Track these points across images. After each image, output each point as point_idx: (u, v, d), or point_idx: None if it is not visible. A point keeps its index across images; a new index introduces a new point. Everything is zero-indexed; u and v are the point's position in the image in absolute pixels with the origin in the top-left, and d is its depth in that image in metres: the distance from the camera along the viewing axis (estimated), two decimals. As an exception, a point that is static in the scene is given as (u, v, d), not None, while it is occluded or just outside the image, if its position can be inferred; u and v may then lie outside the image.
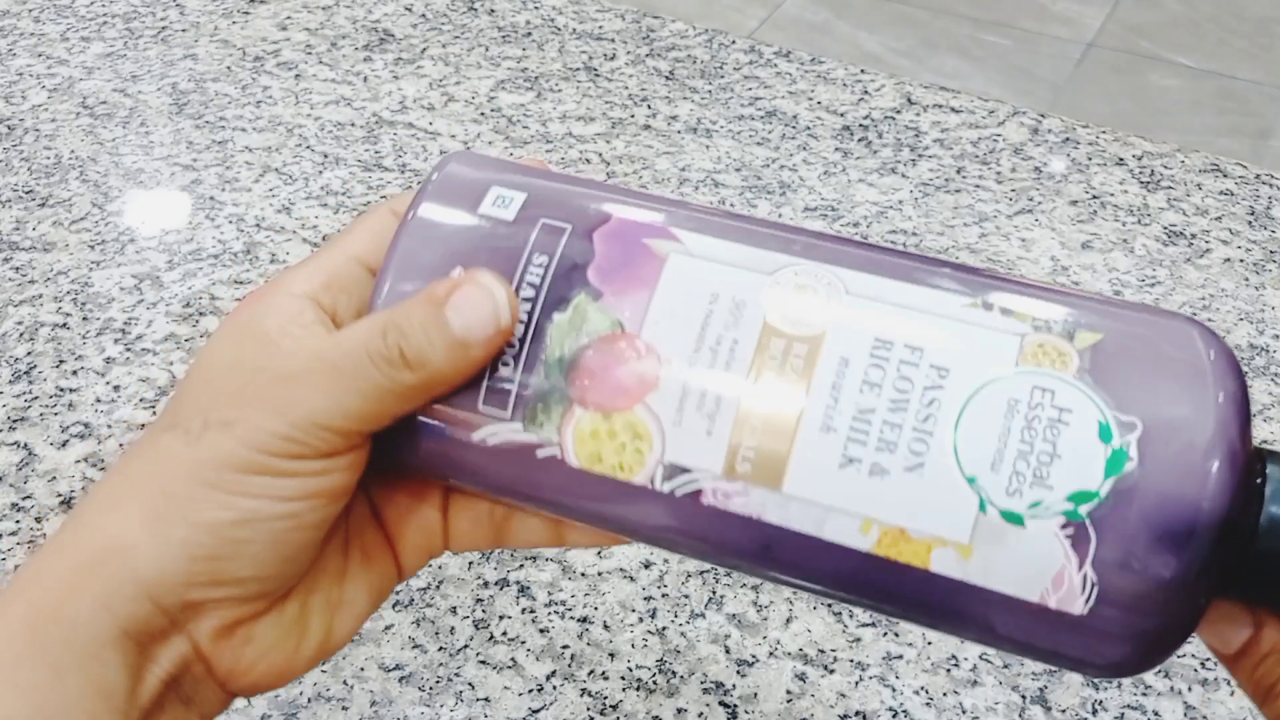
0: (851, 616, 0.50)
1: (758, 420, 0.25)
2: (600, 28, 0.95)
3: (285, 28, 0.95)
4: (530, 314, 0.26)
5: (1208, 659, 0.49)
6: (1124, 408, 0.24)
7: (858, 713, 0.47)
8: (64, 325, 0.65)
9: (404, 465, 0.29)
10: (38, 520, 0.54)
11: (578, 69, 0.90)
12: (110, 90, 0.86)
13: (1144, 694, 0.48)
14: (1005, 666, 0.49)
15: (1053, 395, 0.24)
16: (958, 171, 0.79)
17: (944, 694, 0.48)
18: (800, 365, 0.25)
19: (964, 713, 0.47)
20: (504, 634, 0.50)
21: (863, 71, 0.91)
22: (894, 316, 0.26)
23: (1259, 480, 0.24)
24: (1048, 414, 0.24)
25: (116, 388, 0.61)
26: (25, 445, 0.58)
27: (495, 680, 0.48)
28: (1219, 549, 0.24)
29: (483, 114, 0.84)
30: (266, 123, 0.83)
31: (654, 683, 0.48)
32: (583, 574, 0.52)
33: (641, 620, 0.50)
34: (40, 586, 0.25)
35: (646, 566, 0.52)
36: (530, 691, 0.48)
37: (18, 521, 0.54)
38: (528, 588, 0.52)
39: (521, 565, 0.53)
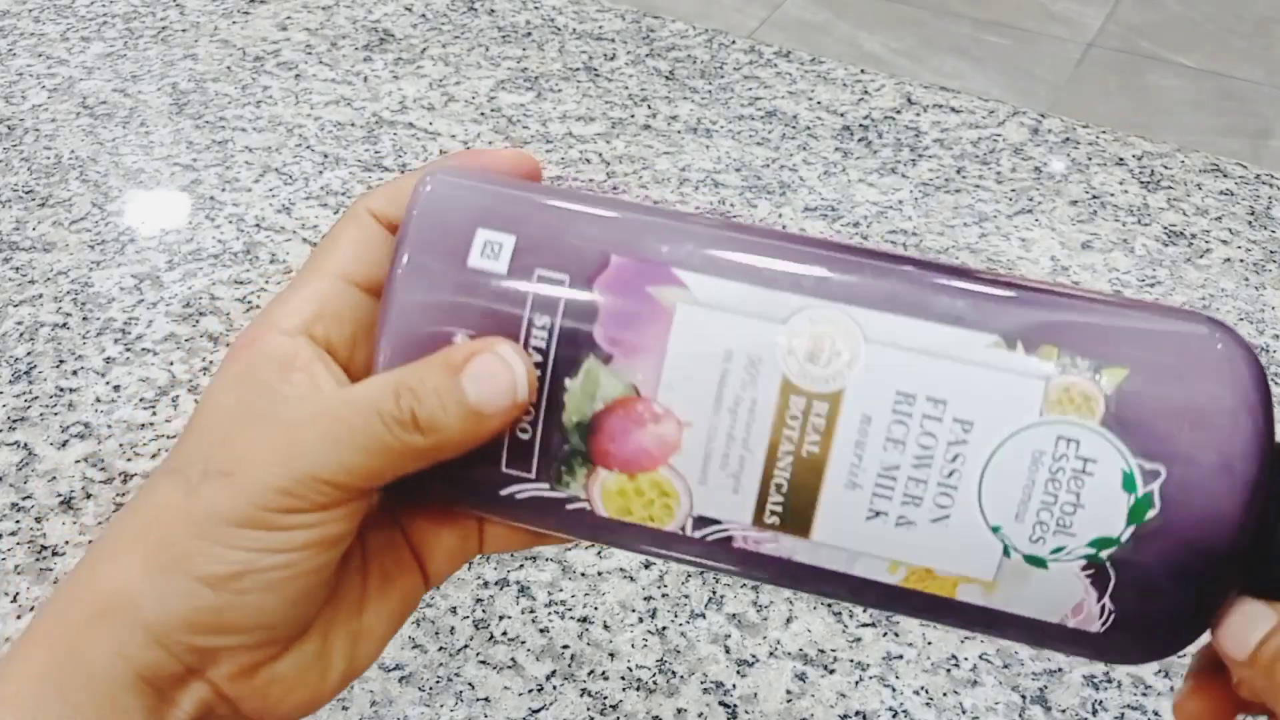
0: (852, 616, 0.50)
1: (783, 478, 0.25)
2: (600, 28, 0.95)
3: (285, 28, 0.95)
4: (541, 379, 0.26)
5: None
6: (1149, 453, 0.24)
7: (858, 713, 0.47)
8: (64, 325, 0.65)
9: (427, 504, 0.29)
10: (38, 520, 0.54)
11: (578, 69, 0.90)
12: (110, 90, 0.86)
13: (1144, 694, 0.48)
14: (1005, 666, 0.49)
15: (1077, 445, 0.24)
16: (958, 171, 0.79)
17: (944, 694, 0.48)
18: (822, 424, 0.25)
19: (964, 713, 0.47)
20: (504, 634, 0.50)
21: (863, 71, 0.91)
22: (915, 365, 0.25)
23: None
24: (1072, 465, 0.24)
25: (116, 388, 0.61)
26: (25, 445, 0.58)
27: (495, 680, 0.48)
28: (1237, 575, 0.25)
29: (483, 114, 0.84)
30: (266, 123, 0.83)
31: (654, 683, 0.48)
32: (583, 574, 0.52)
33: (641, 620, 0.50)
34: (58, 632, 0.25)
35: (646, 566, 0.52)
36: (530, 691, 0.48)
37: (18, 522, 0.54)
38: (528, 588, 0.52)
39: (521, 565, 0.53)
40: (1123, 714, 0.47)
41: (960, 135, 0.83)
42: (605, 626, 0.50)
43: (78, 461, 0.57)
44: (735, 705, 0.47)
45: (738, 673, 0.48)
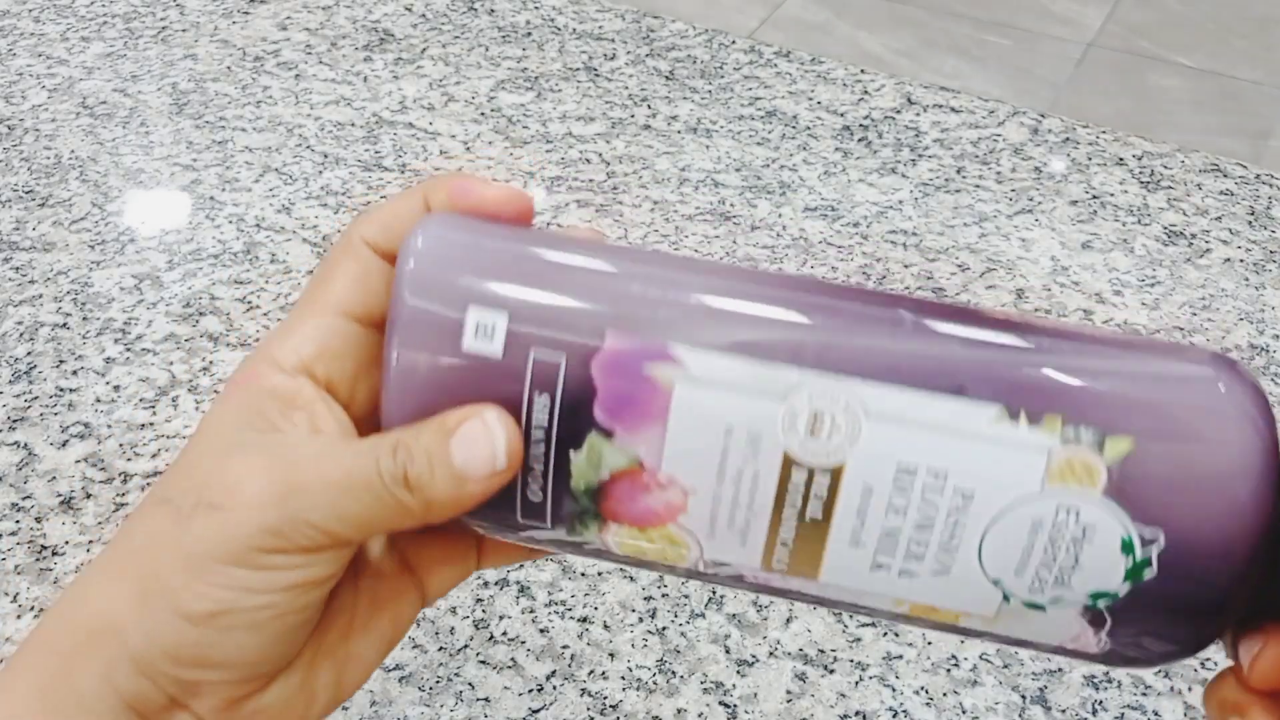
0: (851, 616, 0.50)
1: (788, 537, 0.26)
2: (600, 28, 0.95)
3: (285, 28, 0.95)
4: (546, 451, 0.26)
5: (1208, 659, 0.49)
6: (1149, 520, 0.24)
7: (858, 713, 0.47)
8: (64, 325, 0.65)
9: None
10: (38, 520, 0.54)
11: (578, 69, 0.90)
12: (110, 90, 0.86)
13: (1144, 694, 0.48)
14: (1005, 666, 0.49)
15: (1078, 514, 0.25)
16: (958, 171, 0.79)
17: (944, 694, 0.47)
18: (824, 495, 0.25)
19: (964, 713, 0.47)
20: (504, 634, 0.50)
21: (863, 71, 0.91)
22: (916, 439, 0.25)
23: None
24: (1071, 532, 0.25)
25: (116, 388, 0.61)
26: (25, 445, 0.58)
27: (495, 680, 0.48)
28: (1237, 619, 0.25)
29: (483, 114, 0.84)
30: (266, 123, 0.83)
31: (654, 683, 0.48)
32: (583, 574, 0.52)
33: (641, 620, 0.50)
34: (49, 655, 0.25)
35: (646, 566, 0.52)
36: (530, 691, 0.48)
37: (18, 522, 0.54)
38: (528, 588, 0.52)
39: (521, 565, 0.53)
40: (1123, 714, 0.47)
41: (960, 135, 0.83)
42: (605, 626, 0.50)
43: (78, 461, 0.57)
44: (735, 705, 0.47)
45: (738, 673, 0.48)
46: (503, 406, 0.26)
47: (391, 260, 0.28)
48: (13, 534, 0.54)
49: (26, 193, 0.76)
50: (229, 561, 0.25)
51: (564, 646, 0.49)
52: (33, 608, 0.50)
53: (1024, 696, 0.47)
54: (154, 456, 0.57)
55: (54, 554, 0.53)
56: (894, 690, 0.48)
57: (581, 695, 0.47)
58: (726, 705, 0.47)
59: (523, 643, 0.49)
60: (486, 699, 0.47)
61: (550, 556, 0.53)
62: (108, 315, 0.66)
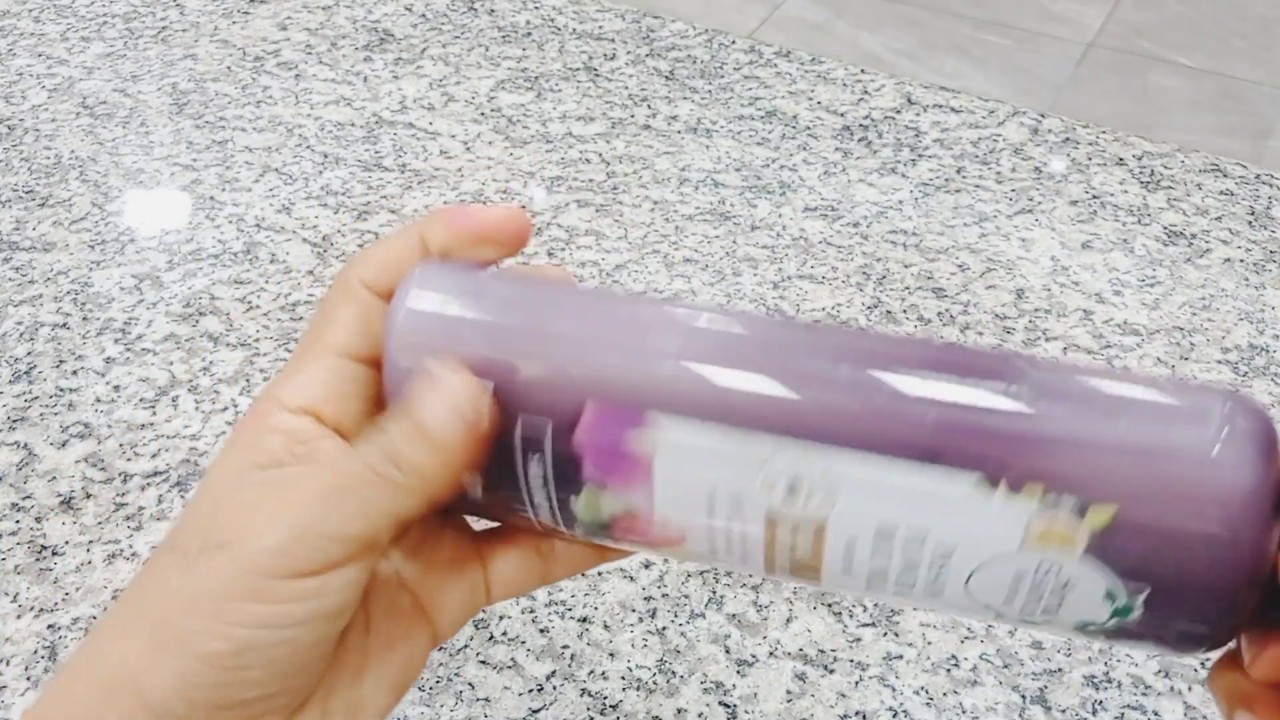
0: (851, 616, 0.50)
1: (783, 566, 0.27)
2: (600, 28, 0.95)
3: (285, 28, 0.95)
4: (548, 496, 0.28)
5: (1208, 659, 0.49)
6: (1134, 576, 0.24)
7: (858, 713, 0.47)
8: (64, 325, 0.65)
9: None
10: (38, 520, 0.54)
11: (578, 69, 0.90)
12: (110, 90, 0.86)
13: (1144, 694, 0.48)
14: (1005, 666, 0.49)
15: (1059, 569, 0.25)
16: (958, 171, 0.79)
17: (944, 694, 0.48)
18: (809, 545, 0.26)
19: (964, 713, 0.47)
20: (504, 634, 0.50)
21: (863, 71, 0.91)
22: (893, 503, 0.25)
23: None
24: (1053, 582, 0.25)
25: (116, 388, 0.61)
26: (25, 445, 0.58)
27: (495, 680, 0.48)
28: (1231, 638, 0.25)
29: (483, 114, 0.84)
30: (266, 123, 0.83)
31: (654, 683, 0.48)
32: (582, 574, 0.52)
33: (641, 620, 0.50)
34: (69, 705, 0.26)
35: (646, 567, 0.52)
36: (530, 691, 0.48)
37: (18, 522, 0.54)
38: (528, 588, 0.52)
39: (521, 565, 0.53)
40: (1123, 714, 0.47)
41: (960, 135, 0.83)
42: (605, 626, 0.50)
43: (78, 461, 0.57)
44: (735, 705, 0.47)
45: (738, 673, 0.48)
46: (499, 460, 0.27)
47: (389, 299, 0.28)
48: (13, 534, 0.54)
49: (26, 193, 0.76)
50: (241, 598, 0.25)
51: (564, 646, 0.49)
52: (33, 608, 0.50)
53: (1024, 696, 0.47)
54: (154, 456, 0.57)
55: (54, 554, 0.53)
56: (894, 690, 0.48)
57: (581, 695, 0.47)
58: (726, 705, 0.47)
59: (523, 643, 0.49)
60: (486, 699, 0.47)
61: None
62: (108, 315, 0.66)
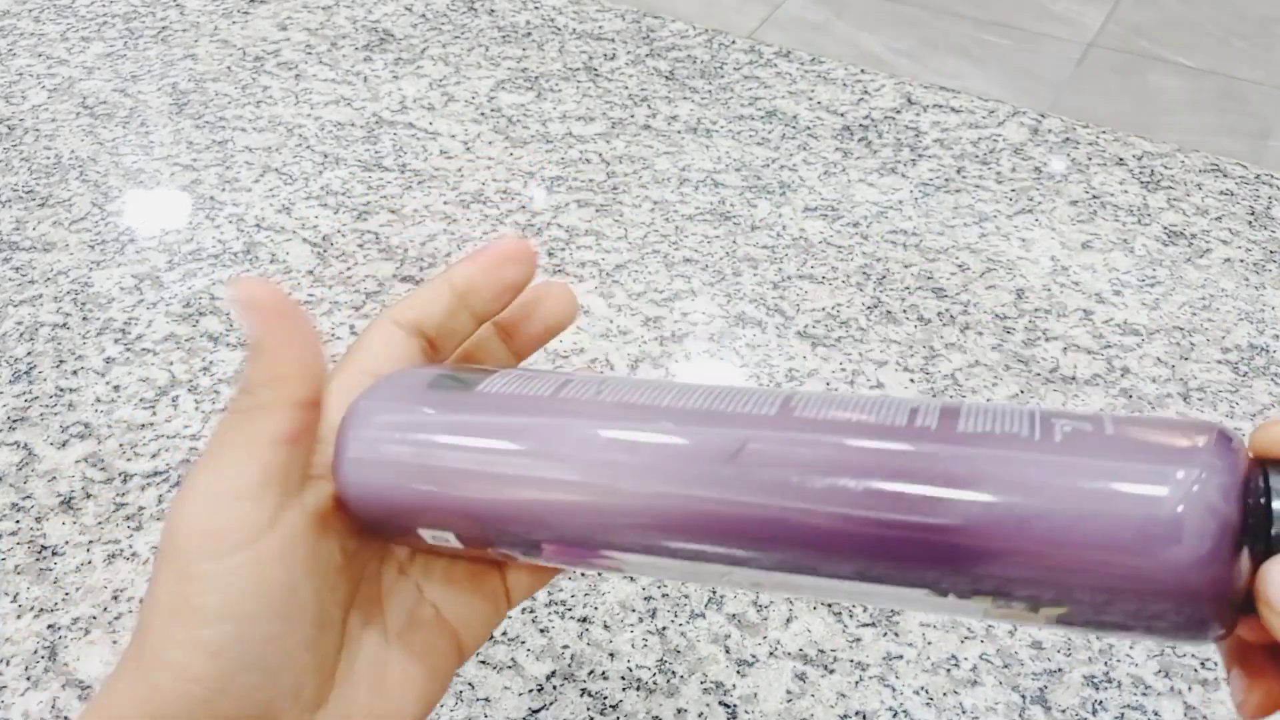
0: (851, 616, 0.50)
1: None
2: (600, 28, 0.95)
3: (285, 28, 0.95)
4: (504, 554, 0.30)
5: (1208, 659, 0.49)
6: (1097, 629, 0.24)
7: (858, 713, 0.47)
8: (64, 325, 0.65)
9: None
10: (38, 520, 0.54)
11: (578, 69, 0.90)
12: (110, 90, 0.86)
13: (1144, 694, 0.48)
14: (1005, 666, 0.49)
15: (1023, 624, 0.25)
16: (958, 171, 0.79)
17: (944, 694, 0.47)
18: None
19: (964, 713, 0.47)
20: (504, 634, 0.50)
21: (863, 71, 0.91)
22: (853, 597, 0.26)
23: (1262, 498, 0.23)
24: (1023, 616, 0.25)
25: (116, 388, 0.61)
26: (25, 445, 0.58)
27: (495, 680, 0.48)
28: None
29: (483, 114, 0.84)
30: (266, 123, 0.83)
31: (654, 683, 0.48)
32: (582, 574, 0.52)
33: (641, 620, 0.50)
34: None
35: (646, 566, 0.52)
36: (530, 691, 0.48)
37: (18, 522, 0.54)
38: (528, 588, 0.52)
39: (521, 565, 0.53)
40: (1123, 714, 0.47)
41: (960, 135, 0.83)
42: (605, 626, 0.50)
43: (78, 461, 0.57)
44: (735, 705, 0.47)
45: (738, 673, 0.48)
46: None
47: (417, 334, 0.31)
48: (13, 534, 0.54)
49: (26, 193, 0.76)
50: (187, 595, 0.26)
51: (564, 646, 0.49)
52: (33, 608, 0.50)
53: (1024, 696, 0.47)
54: (154, 456, 0.57)
55: (54, 554, 0.53)
56: (894, 690, 0.48)
57: (581, 695, 0.47)
58: (726, 705, 0.47)
59: (523, 643, 0.49)
60: (486, 699, 0.47)
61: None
62: (108, 315, 0.66)
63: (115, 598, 0.51)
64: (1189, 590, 0.22)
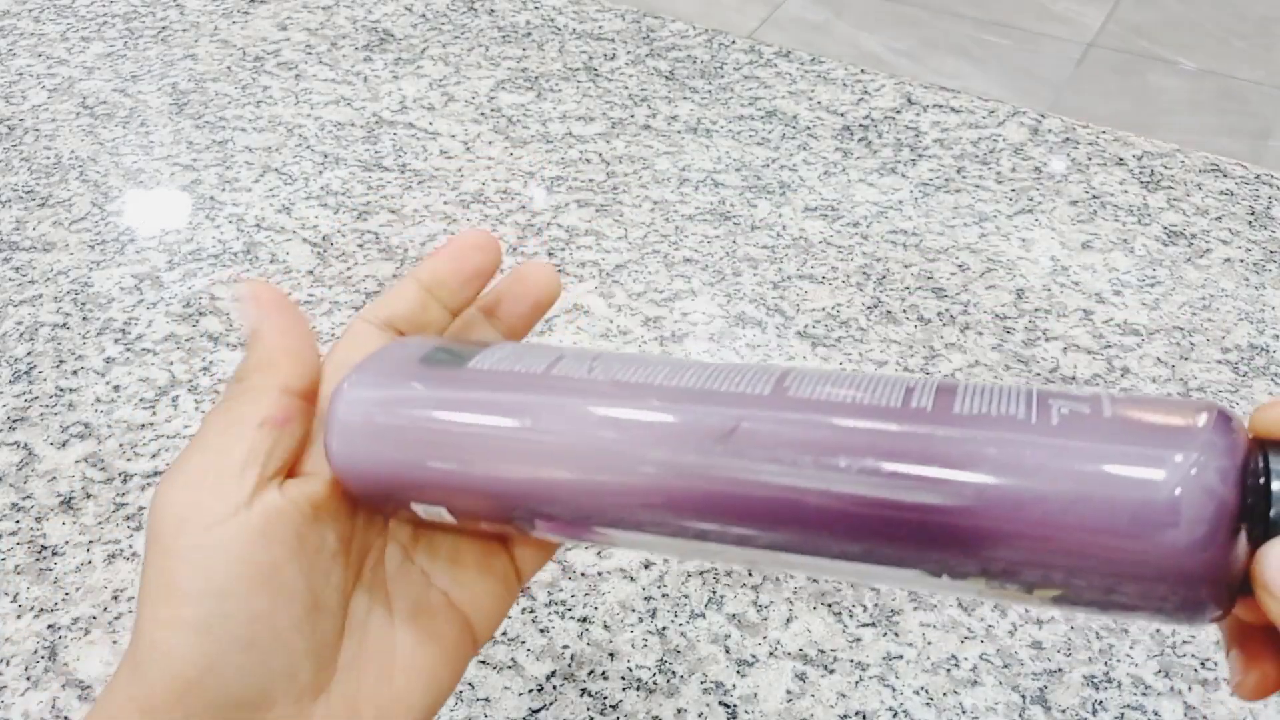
0: (851, 616, 0.50)
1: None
2: (600, 28, 0.95)
3: (285, 28, 0.95)
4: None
5: (1208, 659, 0.49)
6: (1103, 608, 0.24)
7: (858, 713, 0.47)
8: (64, 325, 0.65)
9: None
10: (38, 520, 0.54)
11: (578, 69, 0.90)
12: (110, 90, 0.86)
13: (1144, 694, 0.48)
14: (1005, 666, 0.49)
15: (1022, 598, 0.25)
16: (958, 171, 0.79)
17: (944, 694, 0.47)
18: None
19: (964, 713, 0.47)
20: (504, 634, 0.50)
21: (863, 71, 0.91)
22: (847, 576, 0.26)
23: (1261, 479, 0.23)
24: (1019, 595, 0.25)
25: (116, 388, 0.61)
26: (25, 445, 0.58)
27: (495, 680, 0.48)
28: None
29: (483, 114, 0.84)
30: (266, 123, 0.83)
31: (654, 683, 0.48)
32: (583, 574, 0.52)
33: (641, 620, 0.50)
34: None
35: (646, 567, 0.52)
36: (530, 691, 0.48)
37: (18, 522, 0.54)
38: (528, 588, 0.52)
39: (521, 565, 0.53)
40: (1123, 714, 0.47)
41: (960, 135, 0.83)
42: (605, 626, 0.50)
43: (78, 461, 0.57)
44: (735, 705, 0.47)
45: (738, 673, 0.48)
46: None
47: (389, 329, 0.31)
48: (13, 534, 0.54)
49: (26, 193, 0.76)
50: (175, 575, 0.26)
51: (564, 646, 0.49)
52: (33, 608, 0.50)
53: (1024, 696, 0.47)
54: (154, 456, 0.57)
55: (54, 554, 0.53)
56: (894, 690, 0.48)
57: (581, 695, 0.47)
58: (726, 705, 0.47)
59: (523, 643, 0.49)
60: (486, 699, 0.47)
61: (551, 558, 0.53)
62: (108, 315, 0.66)
63: (115, 598, 0.51)
64: (1186, 574, 0.22)
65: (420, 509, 0.28)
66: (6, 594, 0.51)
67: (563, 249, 0.71)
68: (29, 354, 0.63)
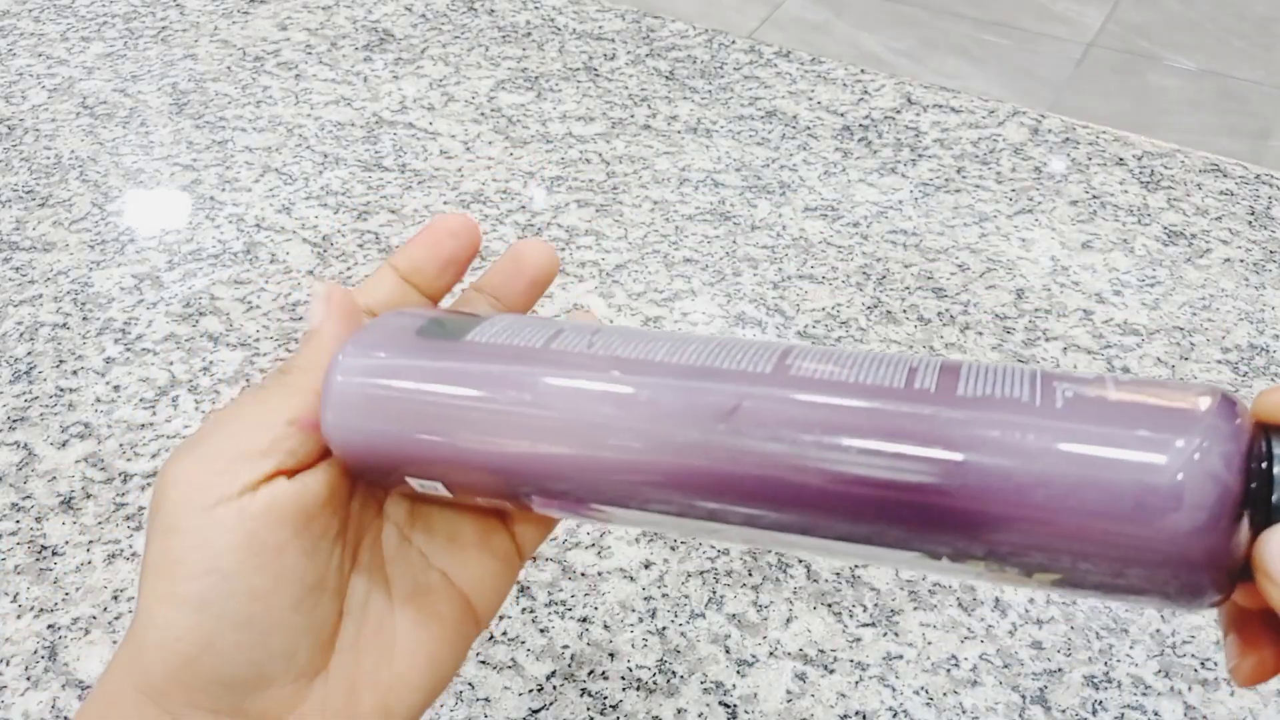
0: (851, 616, 0.50)
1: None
2: (600, 28, 0.95)
3: (285, 28, 0.95)
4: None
5: (1208, 659, 0.49)
6: (1102, 592, 0.24)
7: (858, 713, 0.47)
8: (64, 325, 0.65)
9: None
10: (38, 520, 0.54)
11: (578, 69, 0.90)
12: (110, 90, 0.86)
13: (1144, 694, 0.48)
14: (1005, 666, 0.49)
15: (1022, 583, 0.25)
16: (958, 171, 0.79)
17: (944, 694, 0.48)
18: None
19: (964, 713, 0.47)
20: (504, 634, 0.50)
21: (863, 71, 0.91)
22: (846, 558, 0.26)
23: (1264, 464, 0.23)
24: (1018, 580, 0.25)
25: (116, 388, 0.61)
26: (25, 445, 0.58)
27: (495, 680, 0.48)
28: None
29: (483, 114, 0.84)
30: (266, 123, 0.83)
31: (654, 683, 0.48)
32: (583, 574, 0.52)
33: (641, 620, 0.50)
34: None
35: (646, 567, 0.52)
36: (530, 691, 0.48)
37: (18, 522, 0.54)
38: (528, 588, 0.52)
39: (521, 566, 0.53)
40: (1123, 714, 0.47)
41: (960, 135, 0.83)
42: (605, 626, 0.50)
43: (78, 461, 0.57)
44: (735, 705, 0.47)
45: (738, 673, 0.48)
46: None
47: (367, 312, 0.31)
48: (13, 534, 0.54)
49: (26, 193, 0.76)
50: (176, 550, 0.26)
51: (564, 646, 0.49)
52: (33, 608, 0.50)
53: (1024, 696, 0.47)
54: (154, 457, 0.57)
55: (54, 554, 0.53)
56: (894, 690, 0.48)
57: (581, 695, 0.47)
58: (726, 705, 0.47)
59: (523, 643, 0.49)
60: (486, 699, 0.47)
61: (550, 558, 0.53)
62: (108, 315, 0.66)
63: (115, 598, 0.51)
64: (1188, 558, 0.22)
65: (416, 483, 0.28)
66: (6, 594, 0.51)
67: (563, 249, 0.71)
68: (29, 354, 0.63)
